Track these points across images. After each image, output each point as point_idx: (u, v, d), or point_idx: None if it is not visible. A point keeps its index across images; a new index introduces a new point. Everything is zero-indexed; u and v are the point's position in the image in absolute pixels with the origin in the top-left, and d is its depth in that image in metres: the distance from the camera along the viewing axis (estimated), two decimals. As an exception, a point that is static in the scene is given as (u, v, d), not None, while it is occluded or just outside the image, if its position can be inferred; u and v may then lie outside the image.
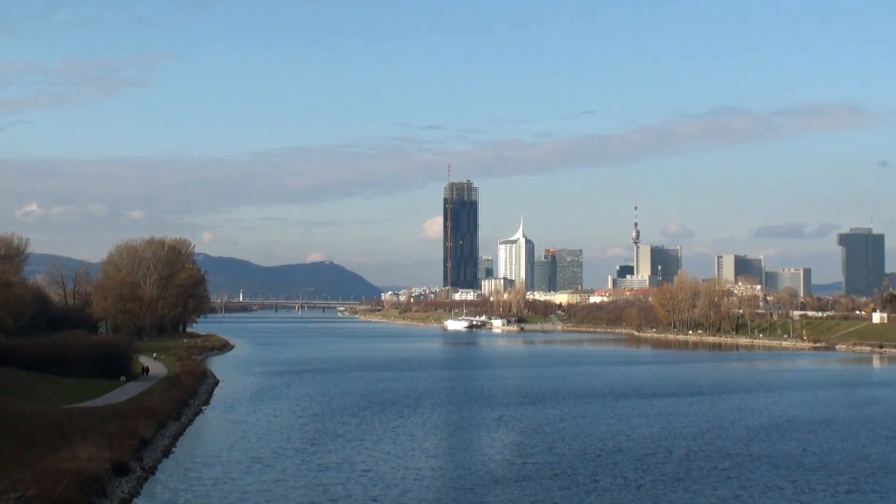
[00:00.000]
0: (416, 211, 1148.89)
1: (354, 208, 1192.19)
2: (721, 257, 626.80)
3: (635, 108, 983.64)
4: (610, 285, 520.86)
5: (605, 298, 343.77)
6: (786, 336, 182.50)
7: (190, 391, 66.80)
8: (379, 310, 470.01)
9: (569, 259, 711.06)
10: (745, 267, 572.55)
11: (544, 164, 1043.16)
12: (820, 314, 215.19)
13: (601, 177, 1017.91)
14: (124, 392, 62.57)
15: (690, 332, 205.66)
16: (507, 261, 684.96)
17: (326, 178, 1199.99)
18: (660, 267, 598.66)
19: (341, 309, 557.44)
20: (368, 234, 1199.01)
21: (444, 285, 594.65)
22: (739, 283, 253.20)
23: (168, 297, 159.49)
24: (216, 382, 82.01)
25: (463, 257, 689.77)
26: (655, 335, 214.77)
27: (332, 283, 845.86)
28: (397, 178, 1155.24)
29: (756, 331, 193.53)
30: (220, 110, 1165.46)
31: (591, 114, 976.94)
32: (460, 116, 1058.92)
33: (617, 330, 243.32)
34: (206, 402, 65.74)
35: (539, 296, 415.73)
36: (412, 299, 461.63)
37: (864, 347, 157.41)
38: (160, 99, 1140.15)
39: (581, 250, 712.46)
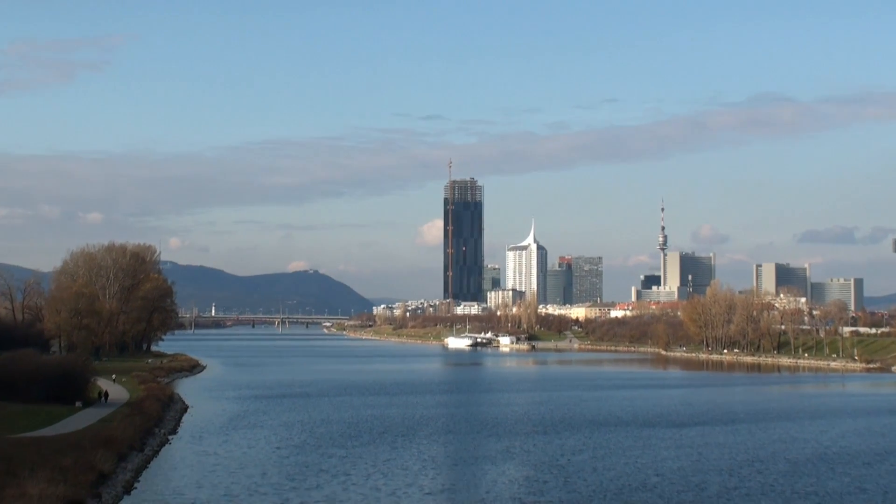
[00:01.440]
0: (412, 213, 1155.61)
1: (342, 210, 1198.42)
2: (760, 266, 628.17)
3: (663, 95, 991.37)
4: (633, 298, 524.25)
5: (628, 313, 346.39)
6: (834, 356, 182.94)
7: (154, 418, 66.80)
8: (370, 325, 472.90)
9: (586, 268, 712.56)
10: (787, 277, 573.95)
11: (559, 159, 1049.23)
12: (873, 331, 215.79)
13: (624, 174, 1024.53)
14: (80, 420, 62.62)
15: (725, 351, 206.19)
16: (517, 270, 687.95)
17: (311, 176, 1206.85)
18: (690, 277, 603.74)
19: (327, 324, 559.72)
20: (358, 240, 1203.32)
21: (445, 298, 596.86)
22: (781, 296, 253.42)
23: (130, 311, 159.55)
24: (184, 408, 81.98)
25: (466, 266, 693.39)
26: (685, 354, 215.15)
27: (317, 296, 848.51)
28: (391, 176, 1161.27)
29: (800, 350, 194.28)
30: (189, 98, 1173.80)
31: (612, 102, 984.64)
32: (463, 105, 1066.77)
33: (641, 349, 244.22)
34: (173, 431, 65.73)
35: (553, 310, 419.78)
36: (408, 314, 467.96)
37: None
38: (121, 85, 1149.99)
39: (600, 258, 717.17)
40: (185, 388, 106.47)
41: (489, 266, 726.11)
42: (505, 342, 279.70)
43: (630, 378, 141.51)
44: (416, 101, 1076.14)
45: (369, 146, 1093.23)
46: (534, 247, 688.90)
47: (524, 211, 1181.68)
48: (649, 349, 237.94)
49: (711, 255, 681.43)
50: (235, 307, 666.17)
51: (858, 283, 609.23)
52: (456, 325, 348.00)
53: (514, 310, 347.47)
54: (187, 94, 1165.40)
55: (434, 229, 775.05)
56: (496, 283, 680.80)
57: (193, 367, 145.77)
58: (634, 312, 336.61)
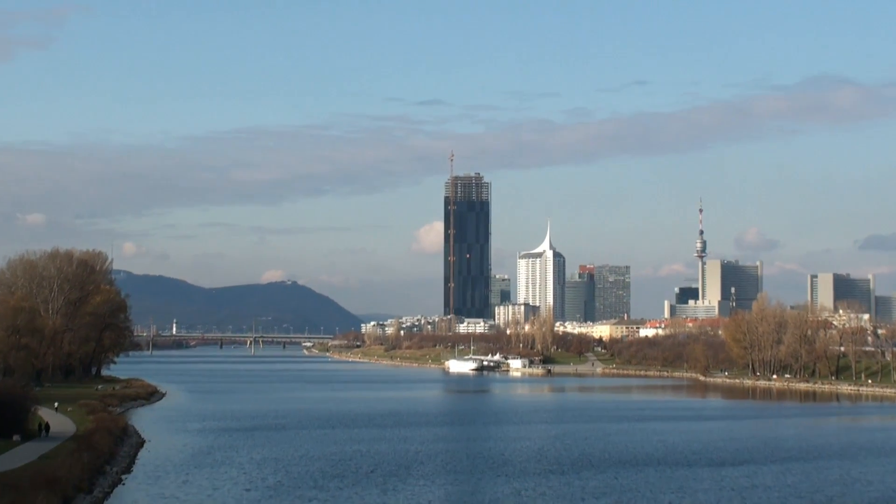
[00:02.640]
0: (407, 214, 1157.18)
1: (326, 211, 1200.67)
2: (815, 276, 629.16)
3: (701, 76, 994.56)
4: (666, 314, 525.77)
5: (660, 331, 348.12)
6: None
7: (105, 455, 66.81)
8: (358, 346, 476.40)
9: (611, 279, 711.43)
10: (847, 289, 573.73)
11: (579, 151, 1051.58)
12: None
13: (655, 169, 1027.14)
14: (18, 456, 62.58)
15: (775, 376, 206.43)
16: (530, 281, 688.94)
17: (289, 171, 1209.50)
18: (733, 289, 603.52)
19: (308, 345, 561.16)
20: (344, 246, 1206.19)
21: (446, 314, 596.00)
22: (840, 312, 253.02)
23: (77, 328, 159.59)
24: (140, 443, 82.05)
25: (470, 276, 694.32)
26: (727, 380, 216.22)
27: (296, 311, 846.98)
28: (383, 171, 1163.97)
29: (863, 375, 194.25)
30: (146, 81, 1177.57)
31: (642, 85, 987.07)
32: (468, 89, 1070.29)
33: (676, 374, 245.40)
34: (127, 470, 65.78)
35: (572, 328, 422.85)
36: (402, 332, 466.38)
37: None
38: (68, 65, 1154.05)
39: (628, 267, 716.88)
40: (142, 419, 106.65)
41: (497, 277, 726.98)
42: (516, 366, 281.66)
43: (663, 408, 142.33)
44: (412, 83, 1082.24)
45: (357, 136, 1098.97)
46: (549, 254, 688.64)
47: (538, 212, 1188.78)
48: (685, 374, 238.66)
49: (758, 263, 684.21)
50: (200, 324, 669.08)
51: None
52: (458, 345, 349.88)
53: (527, 328, 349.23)
54: (145, 76, 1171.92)
55: (433, 233, 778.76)
56: (505, 297, 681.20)
57: (151, 395, 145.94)
58: (668, 331, 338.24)
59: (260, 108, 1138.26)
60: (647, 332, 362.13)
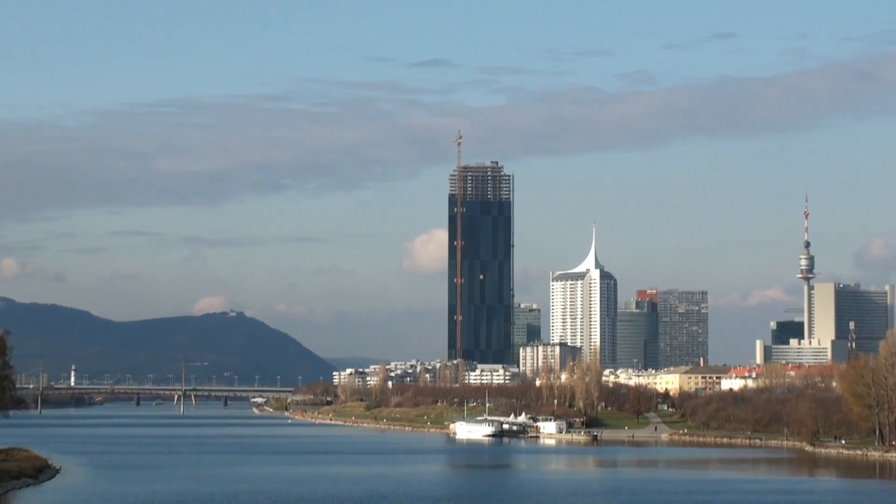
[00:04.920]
0: (398, 219, 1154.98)
1: (284, 215, 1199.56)
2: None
3: (807, 28, 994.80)
4: (759, 358, 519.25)
5: (751, 382, 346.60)
6: None
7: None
8: (329, 402, 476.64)
9: (682, 309, 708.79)
10: None
11: (637, 132, 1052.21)
12: None
13: (743, 156, 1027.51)
14: None
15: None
16: (568, 312, 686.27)
17: (233, 159, 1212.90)
18: (852, 325, 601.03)
19: (259, 401, 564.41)
20: (310, 263, 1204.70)
21: (451, 358, 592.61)
22: None
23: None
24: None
25: (485, 306, 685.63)
26: (845, 451, 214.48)
27: (243, 354, 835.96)
28: (364, 160, 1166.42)
29: None
30: (37, 35, 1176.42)
31: (726, 39, 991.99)
32: (482, 45, 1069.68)
33: (773, 442, 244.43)
34: None
35: (627, 377, 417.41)
36: (391, 383, 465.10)
37: None
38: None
39: (704, 293, 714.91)
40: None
41: (523, 306, 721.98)
42: (549, 430, 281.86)
43: (755, 490, 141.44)
44: (405, 37, 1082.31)
45: (328, 111, 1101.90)
46: (595, 275, 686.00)
47: (580, 216, 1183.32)
48: (785, 443, 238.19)
49: (886, 288, 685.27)
50: (109, 372, 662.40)
51: None
52: (469, 401, 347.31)
53: (564, 377, 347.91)
54: (33, 29, 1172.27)
55: (432, 246, 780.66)
56: (534, 335, 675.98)
57: (40, 471, 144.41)
58: (761, 382, 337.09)
59: (193, 71, 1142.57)
60: (731, 383, 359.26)
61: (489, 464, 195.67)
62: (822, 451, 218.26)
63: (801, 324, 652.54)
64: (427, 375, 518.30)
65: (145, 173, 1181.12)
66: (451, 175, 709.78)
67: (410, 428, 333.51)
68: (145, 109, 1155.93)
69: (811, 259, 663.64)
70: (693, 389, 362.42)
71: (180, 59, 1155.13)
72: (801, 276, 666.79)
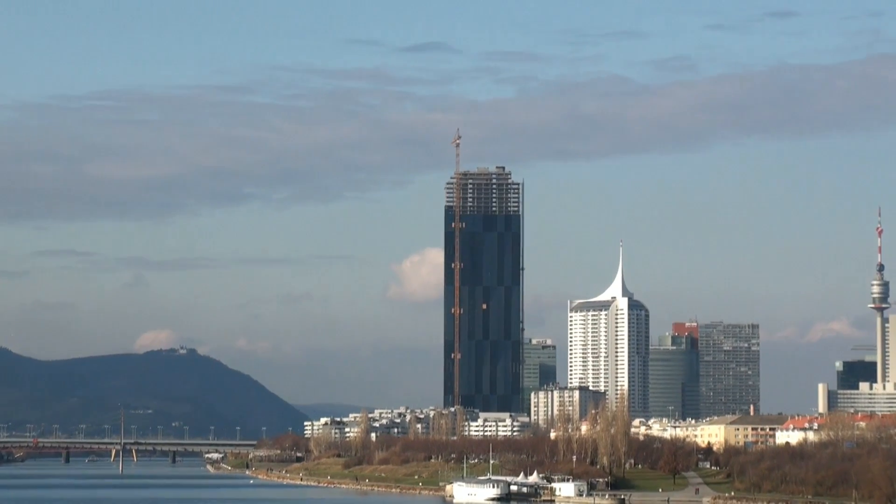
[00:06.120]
0: (384, 236, 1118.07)
1: (246, 231, 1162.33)
2: None
3: (878, 4, 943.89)
4: (821, 406, 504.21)
5: (811, 435, 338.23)
6: None
7: None
8: (300, 458, 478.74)
9: (727, 346, 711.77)
10: None
11: (675, 131, 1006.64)
12: None
13: (802, 159, 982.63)
14: None
15: None
16: (590, 349, 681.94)
17: (184, 164, 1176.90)
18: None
19: (215, 456, 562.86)
20: (277, 290, 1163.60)
21: (448, 404, 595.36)
22: None
23: None
24: None
25: (489, 341, 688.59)
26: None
27: (195, 400, 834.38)
28: (344, 164, 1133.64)
29: None
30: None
31: (784, 18, 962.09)
32: (485, 27, 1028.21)
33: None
34: None
35: (661, 428, 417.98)
36: (375, 436, 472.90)
37: None
38: None
39: (755, 326, 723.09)
40: None
41: (534, 342, 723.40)
42: (566, 492, 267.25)
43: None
44: (393, 17, 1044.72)
45: (301, 104, 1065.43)
46: (622, 304, 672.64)
47: (604, 234, 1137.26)
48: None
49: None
50: (33, 422, 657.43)
51: None
52: (469, 457, 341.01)
53: (584, 428, 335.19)
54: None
55: (426, 269, 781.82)
56: (548, 376, 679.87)
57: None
58: (824, 435, 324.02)
59: (135, 57, 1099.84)
60: (788, 436, 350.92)
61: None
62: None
63: (874, 364, 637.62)
64: (418, 426, 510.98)
65: (77, 181, 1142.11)
66: (448, 183, 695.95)
67: (398, 490, 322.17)
68: (76, 103, 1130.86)
69: (885, 285, 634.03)
70: (741, 443, 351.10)
71: (119, 43, 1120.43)
72: (873, 305, 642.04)
